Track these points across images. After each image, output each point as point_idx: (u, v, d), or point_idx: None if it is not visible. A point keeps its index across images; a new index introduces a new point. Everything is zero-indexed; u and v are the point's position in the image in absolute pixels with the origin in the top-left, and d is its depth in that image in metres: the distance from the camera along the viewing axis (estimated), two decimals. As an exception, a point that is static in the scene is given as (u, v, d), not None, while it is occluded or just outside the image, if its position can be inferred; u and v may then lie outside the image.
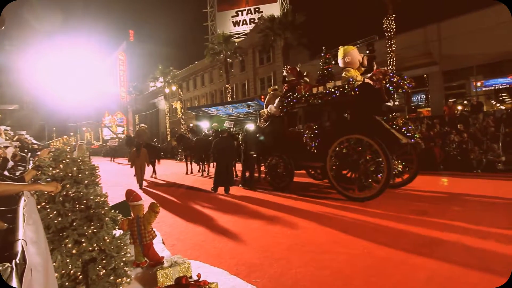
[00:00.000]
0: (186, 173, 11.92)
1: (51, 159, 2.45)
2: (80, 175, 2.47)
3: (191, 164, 12.27)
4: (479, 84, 14.89)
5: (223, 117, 13.90)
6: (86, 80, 51.79)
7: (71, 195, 2.38)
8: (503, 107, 13.93)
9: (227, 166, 7.36)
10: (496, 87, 14.54)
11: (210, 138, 10.43)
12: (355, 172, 5.77)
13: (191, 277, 2.52)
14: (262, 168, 9.10)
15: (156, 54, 48.53)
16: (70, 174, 2.43)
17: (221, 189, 7.41)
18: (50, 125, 38.38)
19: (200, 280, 2.34)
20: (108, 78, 53.68)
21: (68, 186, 2.38)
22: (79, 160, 2.52)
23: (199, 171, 11.54)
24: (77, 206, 2.38)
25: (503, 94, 14.58)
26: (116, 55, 53.45)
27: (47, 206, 2.31)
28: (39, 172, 2.48)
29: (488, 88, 14.77)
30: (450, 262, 2.87)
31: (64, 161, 2.43)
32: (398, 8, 14.36)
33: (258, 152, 7.98)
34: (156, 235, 3.04)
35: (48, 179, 2.37)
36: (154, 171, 11.38)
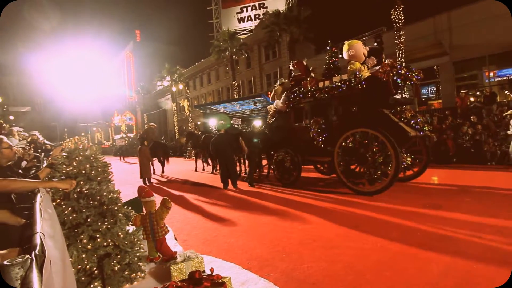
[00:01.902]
0: (195, 170, 11.99)
1: (64, 156, 2.49)
2: (93, 172, 2.51)
3: (202, 161, 12.31)
4: (491, 74, 14.47)
5: (230, 114, 13.90)
6: (95, 80, 52.69)
7: (85, 191, 2.42)
8: (517, 98, 13.53)
9: (226, 162, 7.46)
10: (510, 77, 14.10)
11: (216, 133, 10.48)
12: (363, 166, 5.71)
13: (204, 271, 2.54)
14: (264, 163, 9.14)
15: (162, 53, 48.85)
16: (83, 171, 2.47)
17: (230, 185, 7.48)
18: (62, 125, 39.24)
19: (213, 274, 2.35)
20: (116, 79, 54.42)
21: (81, 183, 2.43)
22: (91, 158, 2.55)
23: (212, 170, 11.54)
24: (91, 202, 2.43)
25: (517, 84, 14.15)
26: (123, 55, 54.06)
27: (62, 203, 2.36)
28: (53, 169, 2.53)
29: (501, 78, 14.35)
30: (465, 256, 2.81)
31: (77, 159, 2.47)
32: (407, -3, 14.01)
33: (259, 148, 8.02)
34: (168, 231, 3.08)
35: (62, 177, 2.42)
36: (162, 169, 11.47)
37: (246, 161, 8.83)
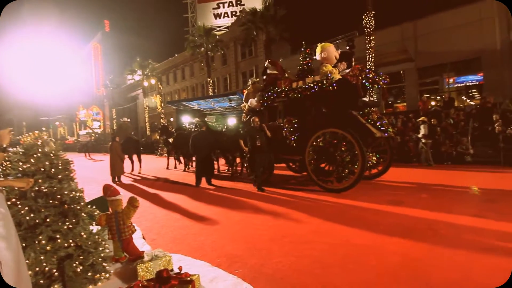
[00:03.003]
0: (167, 168, 11.71)
1: (21, 153, 2.33)
2: (53, 170, 2.37)
3: (174, 159, 12.03)
4: (451, 80, 15.64)
5: (204, 111, 13.72)
6: (58, 72, 49.29)
7: (44, 190, 2.29)
8: (472, 103, 14.73)
9: (205, 158, 7.42)
10: (467, 84, 15.34)
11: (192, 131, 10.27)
12: (332, 165, 5.94)
13: (172, 270, 2.51)
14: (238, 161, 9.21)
15: (133, 46, 47.03)
16: (42, 169, 2.32)
17: (204, 183, 7.41)
18: (20, 119, 36.32)
19: (181, 272, 2.33)
20: (82, 70, 51.33)
21: (40, 181, 2.28)
22: (51, 154, 2.41)
23: (185, 167, 11.33)
24: (51, 201, 2.29)
25: (473, 91, 15.41)
26: (90, 46, 51.13)
27: (18, 202, 2.21)
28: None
29: (459, 85, 15.55)
30: (421, 247, 3.06)
31: (35, 155, 2.32)
32: (377, 5, 14.72)
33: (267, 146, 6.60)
34: (135, 230, 2.99)
35: (19, 174, 2.26)
36: (132, 167, 11.05)
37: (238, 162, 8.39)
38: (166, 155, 12.87)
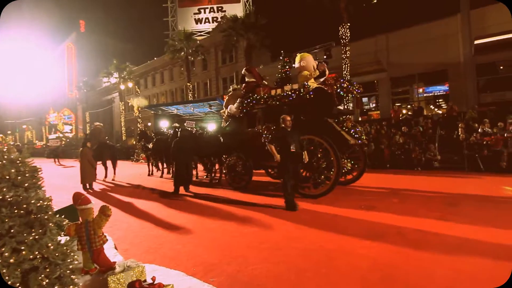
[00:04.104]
0: (148, 175, 11.36)
1: (-17, 160, 2.20)
2: (19, 178, 2.26)
3: (152, 165, 11.72)
4: (420, 90, 16.61)
5: (184, 116, 13.57)
6: (28, 72, 46.74)
7: (9, 199, 2.17)
8: (440, 112, 15.70)
9: (187, 165, 7.32)
10: (435, 94, 16.35)
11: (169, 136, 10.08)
12: (309, 171, 6.08)
13: (145, 280, 2.45)
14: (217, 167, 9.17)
15: (110, 48, 45.72)
16: (7, 177, 2.21)
17: (181, 190, 7.29)
18: (-18, 121, 33.91)
19: (155, 283, 2.29)
20: (54, 71, 48.99)
21: (4, 189, 2.17)
22: (18, 161, 2.30)
23: (162, 174, 11.07)
24: (16, 211, 2.18)
25: (440, 100, 16.44)
26: (63, 46, 49.02)
27: (-21, 213, 2.08)
28: None
29: (428, 94, 16.55)
30: (390, 251, 3.21)
31: (0, 162, 2.21)
32: (353, 17, 15.42)
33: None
34: (107, 240, 2.89)
35: (-20, 183, 2.13)
36: (106, 173, 10.62)
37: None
38: (146, 161, 12.51)
